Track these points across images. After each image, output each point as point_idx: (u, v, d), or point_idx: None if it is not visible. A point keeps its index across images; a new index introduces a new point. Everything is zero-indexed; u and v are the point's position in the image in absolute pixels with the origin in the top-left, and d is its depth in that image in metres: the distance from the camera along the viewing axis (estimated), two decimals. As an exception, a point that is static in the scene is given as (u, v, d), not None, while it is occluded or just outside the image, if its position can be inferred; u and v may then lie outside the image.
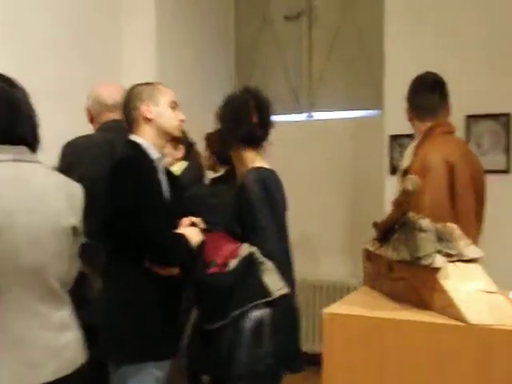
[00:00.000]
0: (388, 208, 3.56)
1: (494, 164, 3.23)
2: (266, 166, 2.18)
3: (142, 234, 1.81)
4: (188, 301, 1.97)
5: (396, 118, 3.52)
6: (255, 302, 1.85)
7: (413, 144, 2.50)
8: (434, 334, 1.29)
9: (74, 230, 1.56)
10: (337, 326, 1.38)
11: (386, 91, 3.63)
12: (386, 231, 1.56)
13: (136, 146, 2.00)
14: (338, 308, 1.44)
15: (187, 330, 1.97)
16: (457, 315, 1.29)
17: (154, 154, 2.01)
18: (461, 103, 3.30)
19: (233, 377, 1.87)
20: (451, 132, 2.43)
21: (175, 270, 1.89)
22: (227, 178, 3.21)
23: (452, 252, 1.41)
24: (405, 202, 1.37)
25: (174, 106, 2.06)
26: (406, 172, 2.40)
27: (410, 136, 3.45)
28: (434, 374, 1.28)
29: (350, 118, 4.48)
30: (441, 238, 1.43)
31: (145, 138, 2.01)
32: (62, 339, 1.51)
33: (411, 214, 1.45)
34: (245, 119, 2.16)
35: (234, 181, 3.23)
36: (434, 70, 3.40)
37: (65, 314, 1.54)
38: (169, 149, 2.87)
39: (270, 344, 1.86)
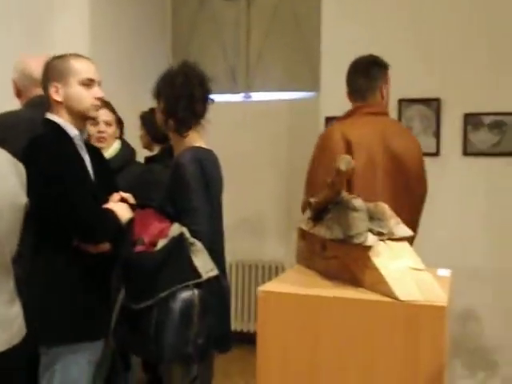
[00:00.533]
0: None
1: (425, 147, 3.32)
2: (203, 145, 2.15)
3: (66, 210, 1.76)
4: (117, 279, 1.94)
5: (332, 99, 3.57)
6: (184, 284, 1.84)
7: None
8: (365, 310, 1.32)
9: (26, 206, 1.60)
10: (271, 304, 1.39)
11: (322, 73, 3.66)
12: (320, 211, 1.58)
13: (52, 124, 1.93)
14: (272, 286, 1.45)
15: (116, 309, 1.94)
16: (387, 292, 1.32)
17: (71, 131, 1.94)
18: (393, 87, 3.38)
19: (160, 358, 1.86)
20: (377, 113, 2.44)
21: (105, 247, 1.85)
22: (162, 156, 3.16)
23: (383, 231, 1.45)
24: (338, 181, 1.39)
25: (89, 83, 1.95)
26: None
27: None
28: (365, 349, 1.31)
29: (286, 100, 4.51)
30: (372, 217, 1.46)
31: (61, 117, 1.94)
32: (13, 310, 1.58)
33: (344, 194, 1.47)
34: (184, 94, 2.10)
35: (169, 160, 3.20)
36: (368, 53, 3.47)
37: (12, 287, 1.60)
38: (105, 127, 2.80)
39: (199, 325, 1.86)
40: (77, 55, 1.97)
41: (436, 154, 3.34)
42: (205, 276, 1.86)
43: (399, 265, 1.38)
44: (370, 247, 1.39)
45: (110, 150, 2.78)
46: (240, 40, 4.80)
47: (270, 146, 4.36)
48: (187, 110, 2.10)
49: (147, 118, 3.17)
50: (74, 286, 1.83)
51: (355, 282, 1.43)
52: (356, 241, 1.39)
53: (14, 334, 1.57)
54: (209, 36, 4.85)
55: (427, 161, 3.38)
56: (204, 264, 1.87)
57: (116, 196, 1.96)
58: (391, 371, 1.30)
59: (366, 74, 2.47)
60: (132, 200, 1.98)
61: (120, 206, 1.88)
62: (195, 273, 1.85)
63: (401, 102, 3.39)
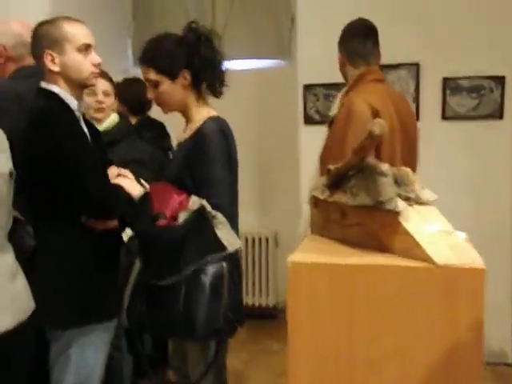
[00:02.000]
0: (304, 158, 3.60)
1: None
2: (217, 114, 2.06)
3: (80, 187, 1.67)
4: (128, 256, 1.87)
5: (310, 67, 3.52)
6: (210, 257, 1.78)
7: (342, 91, 2.50)
8: (401, 277, 1.30)
9: (11, 175, 1.52)
10: (302, 275, 1.35)
11: (298, 40, 3.59)
12: (339, 178, 1.54)
13: (51, 95, 1.81)
14: (300, 256, 1.41)
15: (128, 287, 1.86)
16: (423, 257, 1.30)
17: (72, 102, 1.84)
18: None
19: (191, 335, 1.80)
20: (381, 80, 2.45)
21: (113, 223, 1.78)
22: (139, 129, 3.06)
23: (410, 195, 1.42)
24: (369, 146, 1.35)
25: (86, 49, 1.84)
26: (333, 120, 2.41)
27: (323, 85, 3.48)
28: (403, 317, 1.29)
29: (258, 69, 4.43)
30: (397, 181, 1.43)
31: (59, 86, 1.83)
32: (17, 285, 1.52)
33: (369, 159, 1.44)
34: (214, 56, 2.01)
35: (148, 132, 3.09)
36: (345, 20, 3.42)
37: (11, 261, 1.53)
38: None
39: (228, 299, 1.81)
40: (68, 18, 1.85)
41: (416, 118, 3.34)
42: (230, 249, 1.81)
43: (430, 229, 1.36)
44: (399, 213, 1.37)
45: (107, 122, 2.66)
46: (205, 7, 4.67)
47: (247, 116, 4.28)
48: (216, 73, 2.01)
49: (125, 88, 3.04)
50: (84, 264, 1.76)
51: (384, 248, 1.41)
52: (387, 206, 1.36)
53: (20, 310, 1.51)
54: (172, 2, 4.69)
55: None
56: (228, 236, 1.82)
57: (114, 172, 1.87)
58: (430, 337, 1.28)
59: (372, 39, 2.44)
60: (130, 176, 1.90)
61: (128, 182, 1.81)
62: (221, 245, 1.79)
63: (381, 67, 3.36)
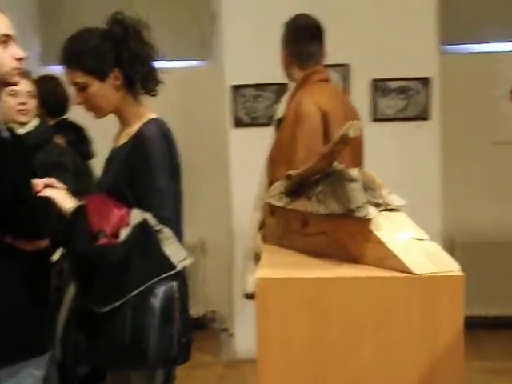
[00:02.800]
0: (235, 161, 3.50)
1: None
2: (156, 115, 1.86)
3: (6, 202, 1.47)
4: (59, 278, 1.67)
5: (237, 67, 3.43)
6: (158, 277, 1.61)
7: (288, 92, 2.42)
8: (378, 288, 1.22)
9: None
10: (272, 291, 1.25)
11: (224, 40, 3.48)
12: (301, 184, 1.45)
13: None
14: (267, 272, 1.30)
15: (62, 314, 1.66)
16: (398, 266, 1.23)
17: None
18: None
19: (142, 366, 1.63)
20: (327, 80, 2.39)
21: (43, 243, 1.58)
22: (56, 132, 2.84)
23: (379, 201, 1.35)
24: (340, 150, 1.26)
25: (5, 40, 1.62)
26: (280, 122, 2.33)
27: (253, 86, 3.39)
28: (379, 329, 1.22)
29: (179, 69, 4.27)
30: (365, 187, 1.36)
31: None
32: None
33: (336, 164, 1.35)
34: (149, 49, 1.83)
35: (66, 136, 2.86)
36: (273, 19, 3.36)
37: None
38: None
39: (181, 321, 1.65)
40: None
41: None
42: (179, 266, 1.64)
43: (403, 237, 1.30)
44: (370, 220, 1.30)
45: (27, 126, 2.42)
46: (122, 3, 4.45)
47: (171, 119, 4.11)
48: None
49: (40, 87, 2.80)
50: (10, 292, 1.53)
51: (352, 259, 1.33)
52: (358, 214, 1.28)
53: None
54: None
55: (338, 128, 3.39)
56: (176, 252, 1.65)
57: (40, 183, 1.67)
58: (409, 347, 1.22)
59: (319, 38, 2.38)
60: (59, 185, 1.71)
61: (58, 193, 1.61)
62: (169, 264, 1.62)
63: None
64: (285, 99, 2.43)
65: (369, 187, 1.36)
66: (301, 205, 1.44)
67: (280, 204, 1.53)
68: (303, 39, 2.39)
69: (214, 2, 3.90)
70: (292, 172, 1.46)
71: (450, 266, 1.24)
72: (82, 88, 1.78)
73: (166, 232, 1.65)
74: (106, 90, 1.79)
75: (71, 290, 1.68)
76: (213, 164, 3.91)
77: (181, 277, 1.68)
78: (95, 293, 1.61)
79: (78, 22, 4.46)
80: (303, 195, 1.44)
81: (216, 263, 4.10)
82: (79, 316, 1.66)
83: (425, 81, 3.26)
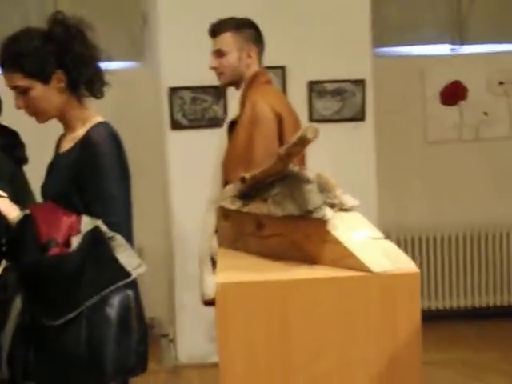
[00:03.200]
0: (173, 165, 3.45)
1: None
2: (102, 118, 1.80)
3: None
4: (3, 291, 1.58)
5: (173, 69, 3.39)
6: (113, 286, 1.55)
7: (239, 93, 2.41)
8: (338, 288, 1.24)
9: None
10: (233, 296, 1.23)
11: (160, 40, 3.43)
12: (256, 186, 1.44)
13: None
14: (227, 276, 1.28)
15: (7, 330, 1.57)
16: (357, 266, 1.25)
17: None
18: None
19: (100, 380, 1.56)
20: (271, 81, 2.41)
21: None
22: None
23: (334, 202, 1.37)
24: (297, 152, 1.27)
25: None
26: (233, 123, 2.32)
27: (190, 88, 3.36)
28: (340, 328, 1.23)
29: (109, 71, 4.16)
30: (320, 188, 1.37)
31: None
32: None
33: (291, 166, 1.36)
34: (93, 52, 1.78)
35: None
36: (208, 21, 3.34)
37: None
38: None
39: (138, 331, 1.60)
40: None
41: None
42: (134, 274, 1.59)
43: (359, 236, 1.32)
44: (327, 221, 1.31)
45: None
46: (46, 3, 4.30)
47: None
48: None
49: None
50: None
51: (309, 259, 1.33)
52: (316, 215, 1.29)
53: None
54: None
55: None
56: (129, 260, 1.59)
57: None
58: (371, 345, 1.24)
59: (263, 40, 2.40)
60: (2, 193, 1.62)
61: (3, 202, 1.52)
62: (123, 272, 1.57)
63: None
64: (236, 100, 2.42)
65: (324, 188, 1.38)
66: (256, 207, 1.43)
67: (234, 207, 1.51)
68: (259, 36, 2.43)
69: (145, 1, 3.84)
70: (246, 174, 1.45)
71: (406, 264, 1.27)
72: (23, 91, 1.69)
73: (119, 239, 1.60)
74: (49, 93, 1.72)
75: (17, 304, 1.59)
76: (150, 167, 3.84)
77: (135, 285, 1.64)
78: (47, 305, 1.55)
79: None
80: (258, 198, 1.43)
81: (154, 268, 4.02)
82: (27, 330, 1.58)
83: (360, 83, 3.34)
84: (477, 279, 4.00)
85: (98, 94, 1.79)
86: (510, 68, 3.98)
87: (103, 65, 1.84)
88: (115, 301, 1.55)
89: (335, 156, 3.42)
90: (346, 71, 3.35)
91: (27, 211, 1.56)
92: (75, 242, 1.53)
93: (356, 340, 1.24)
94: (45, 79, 1.70)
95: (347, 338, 1.23)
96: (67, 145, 1.76)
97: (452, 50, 4.11)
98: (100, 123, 1.76)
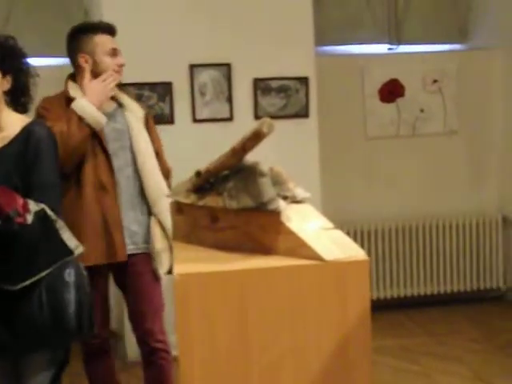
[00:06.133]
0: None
1: (219, 112, 3.37)
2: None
3: None
4: None
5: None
6: (64, 259, 1.74)
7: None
8: (293, 276, 1.29)
9: None
10: (191, 286, 1.27)
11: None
12: (208, 180, 1.48)
13: None
14: (184, 268, 1.32)
15: None
16: (310, 255, 1.31)
17: None
18: (185, 53, 3.34)
19: (65, 341, 1.78)
20: None
21: None
22: None
23: (287, 194, 1.43)
24: (252, 146, 1.32)
25: None
26: None
27: (133, 85, 3.34)
28: (296, 317, 1.29)
29: (57, 66, 4.11)
30: (273, 181, 1.42)
31: None
32: None
33: (246, 160, 1.41)
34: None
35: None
36: (154, 21, 3.35)
37: None
38: None
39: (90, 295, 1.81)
40: None
41: (230, 118, 3.40)
42: (76, 252, 1.78)
43: (312, 226, 1.38)
44: (280, 212, 1.36)
45: None
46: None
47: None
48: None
49: None
50: None
51: (264, 250, 1.38)
52: (270, 207, 1.34)
53: None
54: None
55: (223, 126, 3.44)
56: (70, 240, 1.78)
57: None
58: (323, 330, 1.30)
59: None
60: None
61: None
62: (69, 249, 1.76)
63: (192, 67, 3.36)
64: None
65: (277, 181, 1.44)
66: (212, 201, 1.47)
67: (188, 201, 1.55)
68: None
69: (92, 12, 3.78)
70: (201, 168, 1.49)
71: (356, 252, 1.34)
72: None
73: (60, 222, 1.76)
74: None
75: None
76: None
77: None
78: (7, 271, 1.68)
79: None
80: (213, 191, 1.47)
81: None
82: None
83: (303, 80, 3.42)
84: (415, 270, 4.17)
85: (22, 105, 1.96)
86: (443, 67, 4.17)
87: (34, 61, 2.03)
88: (71, 269, 1.73)
89: (279, 152, 3.48)
90: (290, 69, 3.41)
91: None
92: (29, 218, 1.66)
93: (310, 325, 1.30)
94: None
95: (302, 323, 1.29)
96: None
97: (389, 49, 4.26)
98: (37, 121, 1.94)
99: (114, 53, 2.37)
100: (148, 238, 2.34)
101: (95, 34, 2.36)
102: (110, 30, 2.40)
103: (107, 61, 2.34)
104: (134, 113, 2.42)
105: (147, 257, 2.33)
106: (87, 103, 2.23)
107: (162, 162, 2.44)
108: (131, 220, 2.33)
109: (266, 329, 1.29)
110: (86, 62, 2.33)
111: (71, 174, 2.23)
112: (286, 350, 1.29)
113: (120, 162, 2.34)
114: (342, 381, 1.32)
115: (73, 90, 2.34)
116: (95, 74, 2.32)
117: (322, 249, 1.31)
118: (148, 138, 2.40)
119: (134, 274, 2.34)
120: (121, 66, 2.40)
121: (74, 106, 2.23)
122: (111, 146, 2.33)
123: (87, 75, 2.31)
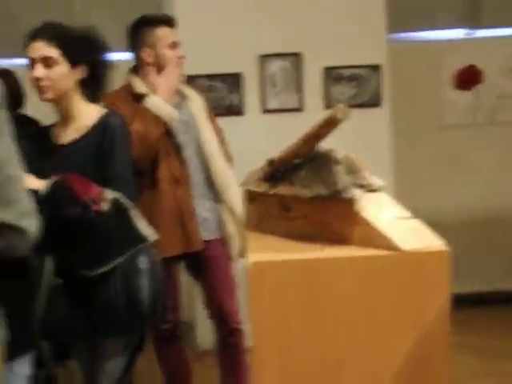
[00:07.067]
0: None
1: (288, 103, 3.34)
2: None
3: None
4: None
5: (190, 58, 3.40)
6: (138, 247, 1.74)
7: None
8: (368, 266, 1.27)
9: None
10: (265, 274, 1.26)
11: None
12: (280, 169, 1.47)
13: None
14: (258, 256, 1.31)
15: (42, 295, 1.70)
16: (386, 245, 1.27)
17: None
18: (254, 43, 3.32)
19: (141, 326, 1.78)
20: None
21: None
22: (16, 125, 2.76)
23: (362, 183, 1.39)
24: (326, 133, 1.28)
25: None
26: None
27: (205, 77, 3.37)
28: (370, 309, 1.26)
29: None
30: (348, 169, 1.39)
31: None
32: None
33: (319, 147, 1.38)
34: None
35: (22, 128, 2.77)
36: (225, 13, 3.35)
37: None
38: None
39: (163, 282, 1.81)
40: None
41: (300, 109, 3.36)
42: (150, 239, 1.76)
43: (388, 216, 1.34)
44: (355, 201, 1.33)
45: None
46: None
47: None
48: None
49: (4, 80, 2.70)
50: None
51: (339, 240, 1.36)
52: (345, 196, 1.31)
53: None
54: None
55: (293, 116, 3.41)
56: (145, 228, 1.77)
57: None
58: (398, 323, 1.27)
59: None
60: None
61: (28, 179, 1.59)
62: (143, 236, 1.75)
63: (262, 57, 3.34)
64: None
65: (352, 170, 1.40)
66: (284, 189, 1.45)
67: (260, 190, 1.54)
68: None
69: (165, 4, 3.83)
70: (274, 157, 1.47)
71: (435, 242, 1.29)
72: (48, 64, 1.81)
73: (134, 210, 1.77)
74: (69, 77, 1.84)
75: (49, 265, 1.73)
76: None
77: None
78: (84, 257, 1.70)
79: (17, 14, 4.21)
80: (285, 180, 1.46)
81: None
82: (64, 287, 1.74)
83: (375, 68, 3.32)
84: (495, 263, 3.99)
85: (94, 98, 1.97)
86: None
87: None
88: (144, 257, 1.74)
89: (350, 142, 3.41)
90: (362, 57, 3.33)
91: (56, 178, 1.70)
92: (105, 206, 1.68)
93: (384, 317, 1.26)
94: (72, 64, 1.83)
95: (375, 314, 1.26)
96: (72, 134, 1.88)
97: (467, 34, 4.08)
98: (111, 112, 1.91)
99: (174, 45, 2.38)
100: (219, 224, 2.37)
101: (156, 26, 2.36)
102: (170, 22, 2.40)
103: (168, 54, 2.35)
104: (196, 103, 2.44)
105: (220, 242, 2.35)
106: (160, 100, 2.24)
107: (224, 150, 2.47)
108: (202, 208, 2.37)
109: (338, 318, 1.26)
110: (149, 55, 2.34)
111: (145, 170, 2.27)
112: (357, 339, 1.26)
113: (189, 153, 2.37)
114: (417, 377, 1.28)
115: (138, 85, 2.38)
116: (157, 67, 2.33)
117: (399, 238, 1.27)
118: (211, 127, 2.42)
119: (209, 259, 2.37)
120: (181, 58, 2.40)
121: (148, 103, 2.26)
122: (181, 138, 2.36)
123: (153, 70, 2.32)
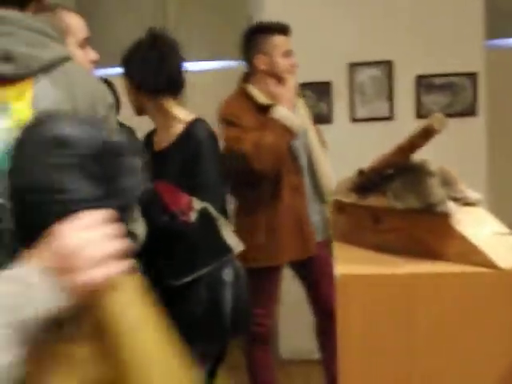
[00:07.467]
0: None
1: (378, 111, 3.28)
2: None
3: None
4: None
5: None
6: (224, 258, 1.77)
7: None
8: (464, 284, 1.20)
9: None
10: (354, 288, 1.23)
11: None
12: (371, 179, 1.43)
13: None
14: (348, 268, 1.28)
15: None
16: (483, 261, 1.21)
17: None
18: (344, 52, 3.30)
19: (220, 338, 1.82)
20: None
21: None
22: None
23: (458, 196, 1.33)
24: (421, 144, 1.24)
25: (84, 43, 1.67)
26: None
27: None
28: (465, 326, 1.20)
29: (215, 70, 4.30)
30: (443, 182, 1.34)
31: None
32: None
33: (414, 158, 1.34)
34: (165, 65, 1.92)
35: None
36: (314, 22, 3.35)
37: None
38: None
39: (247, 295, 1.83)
40: None
41: (390, 117, 3.30)
42: (237, 250, 1.80)
43: (485, 231, 1.28)
44: (450, 215, 1.27)
45: None
46: (156, 6, 4.49)
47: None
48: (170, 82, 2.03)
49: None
50: None
51: (432, 255, 1.30)
52: (439, 209, 1.26)
53: None
54: (119, 2, 4.47)
55: (383, 125, 3.35)
56: (231, 239, 1.82)
57: None
58: (495, 344, 1.19)
59: None
60: None
61: None
62: (229, 247, 1.79)
63: (351, 65, 3.30)
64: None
65: (447, 182, 1.35)
66: (374, 200, 1.42)
67: (349, 200, 1.51)
68: None
69: (251, 5, 3.89)
70: (364, 167, 1.44)
71: (536, 261, 1.21)
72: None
73: (223, 220, 1.81)
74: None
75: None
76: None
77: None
78: (170, 266, 1.73)
79: (114, 23, 4.40)
80: (376, 191, 1.42)
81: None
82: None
83: (471, 76, 3.20)
84: None
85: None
86: None
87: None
88: (229, 269, 1.76)
89: (443, 153, 3.30)
90: (456, 64, 3.22)
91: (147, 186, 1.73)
92: (193, 216, 1.73)
93: (480, 336, 1.20)
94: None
95: (471, 335, 1.20)
96: (166, 138, 1.96)
97: None
98: (199, 120, 1.96)
99: (288, 54, 2.37)
100: (325, 225, 2.39)
101: (273, 34, 2.36)
102: (285, 30, 2.40)
103: (282, 62, 2.35)
104: (303, 110, 2.45)
105: (327, 242, 2.36)
106: (287, 111, 2.24)
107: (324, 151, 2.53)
108: (313, 211, 2.41)
109: (431, 336, 1.21)
110: (263, 63, 2.34)
111: (268, 181, 2.28)
112: (452, 359, 1.20)
113: (303, 159, 2.41)
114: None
115: (259, 95, 2.37)
116: (271, 76, 2.34)
117: (497, 255, 1.20)
118: (315, 132, 2.47)
119: (319, 259, 2.39)
120: (294, 66, 2.40)
121: (276, 114, 2.24)
122: (296, 145, 2.38)
123: (271, 80, 2.32)
